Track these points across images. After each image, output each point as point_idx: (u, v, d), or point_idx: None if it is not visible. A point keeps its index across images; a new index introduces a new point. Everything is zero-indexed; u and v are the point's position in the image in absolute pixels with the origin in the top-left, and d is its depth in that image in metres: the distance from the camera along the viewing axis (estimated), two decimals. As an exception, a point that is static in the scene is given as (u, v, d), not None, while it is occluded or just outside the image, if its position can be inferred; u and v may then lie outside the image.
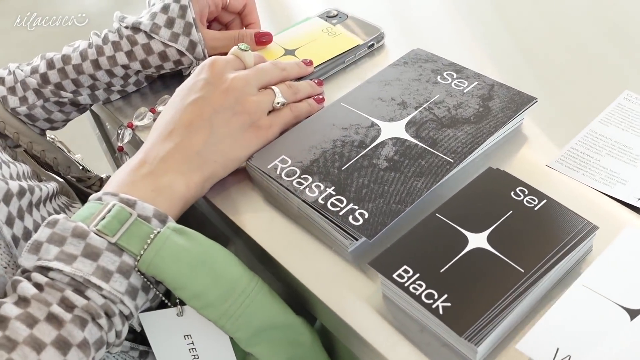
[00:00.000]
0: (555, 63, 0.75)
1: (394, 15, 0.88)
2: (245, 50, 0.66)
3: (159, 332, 0.56)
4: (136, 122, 0.73)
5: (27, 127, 0.73)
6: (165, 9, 0.70)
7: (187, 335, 0.56)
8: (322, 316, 0.56)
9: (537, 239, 0.51)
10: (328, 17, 0.82)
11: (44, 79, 0.71)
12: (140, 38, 0.70)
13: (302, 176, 0.59)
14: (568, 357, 0.45)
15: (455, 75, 0.68)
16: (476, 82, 0.67)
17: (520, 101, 0.64)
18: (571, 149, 0.63)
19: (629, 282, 0.49)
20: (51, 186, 0.64)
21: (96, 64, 0.71)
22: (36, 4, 2.68)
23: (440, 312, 0.47)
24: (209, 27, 0.78)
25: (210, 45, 0.73)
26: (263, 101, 0.63)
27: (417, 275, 0.49)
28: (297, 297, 0.57)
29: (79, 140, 1.02)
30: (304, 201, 0.57)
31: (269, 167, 0.61)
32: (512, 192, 0.54)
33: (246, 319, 0.52)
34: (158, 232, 0.51)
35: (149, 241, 0.50)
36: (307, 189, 0.58)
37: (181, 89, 0.63)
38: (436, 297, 0.47)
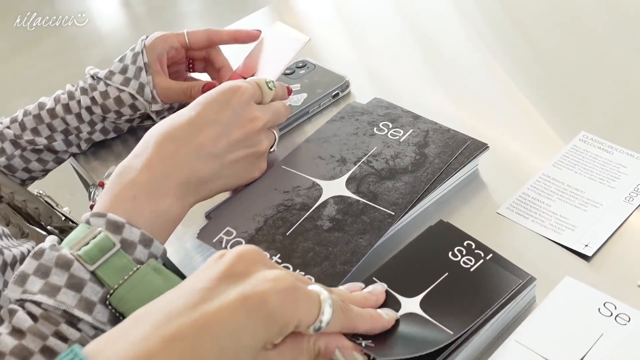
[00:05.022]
0: (514, 107, 0.75)
1: (361, 62, 0.89)
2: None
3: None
4: (106, 181, 0.74)
5: (8, 178, 0.76)
6: (121, 58, 0.77)
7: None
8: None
9: (470, 300, 0.50)
10: (297, 67, 0.83)
11: (22, 126, 0.76)
12: (100, 86, 0.76)
13: None
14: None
15: (390, 125, 0.68)
16: (411, 130, 0.67)
17: (454, 144, 0.63)
18: (522, 194, 0.62)
19: (562, 336, 0.48)
20: (25, 247, 0.64)
21: (67, 108, 0.76)
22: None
23: None
24: (191, 71, 0.82)
25: (163, 93, 0.76)
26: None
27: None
28: None
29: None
30: None
31: (214, 241, 0.60)
32: (451, 252, 0.54)
33: None
34: (137, 269, 0.50)
35: (126, 277, 0.50)
36: None
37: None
38: None
